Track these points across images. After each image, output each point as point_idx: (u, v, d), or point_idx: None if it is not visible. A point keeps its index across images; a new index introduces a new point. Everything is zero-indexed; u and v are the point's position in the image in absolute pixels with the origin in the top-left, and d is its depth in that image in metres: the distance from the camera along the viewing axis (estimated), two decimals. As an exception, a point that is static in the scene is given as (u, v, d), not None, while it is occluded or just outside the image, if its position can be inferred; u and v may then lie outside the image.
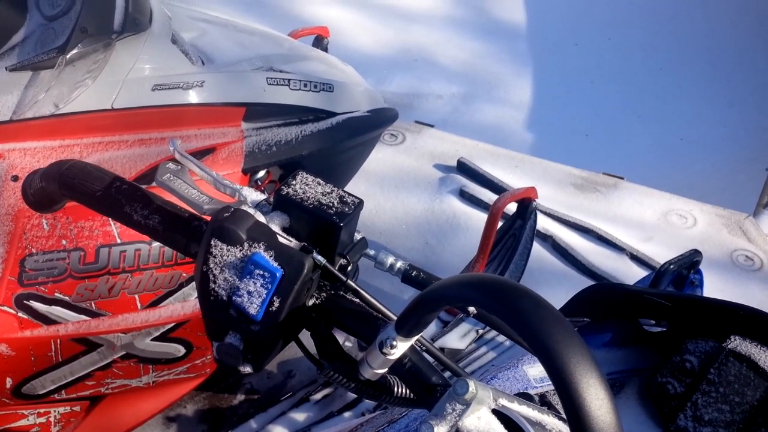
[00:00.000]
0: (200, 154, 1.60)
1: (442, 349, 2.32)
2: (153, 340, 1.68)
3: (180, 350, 1.75)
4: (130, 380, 1.74)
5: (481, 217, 2.47)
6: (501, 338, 2.34)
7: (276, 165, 1.80)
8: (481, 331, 2.34)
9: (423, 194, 2.74)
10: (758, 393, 0.98)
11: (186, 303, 1.66)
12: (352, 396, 2.20)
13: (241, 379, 2.30)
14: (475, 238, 2.23)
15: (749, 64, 4.37)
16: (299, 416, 2.16)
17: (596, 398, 0.53)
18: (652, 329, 1.13)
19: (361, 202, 0.75)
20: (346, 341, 0.74)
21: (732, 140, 3.84)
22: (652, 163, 3.53)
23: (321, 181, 0.76)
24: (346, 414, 2.17)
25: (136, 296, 1.60)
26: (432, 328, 2.35)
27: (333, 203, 0.75)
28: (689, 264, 1.38)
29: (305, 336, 0.77)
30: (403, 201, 2.72)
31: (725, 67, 4.33)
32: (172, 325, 1.68)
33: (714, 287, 2.34)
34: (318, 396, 2.21)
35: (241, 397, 2.28)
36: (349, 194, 0.76)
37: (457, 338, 2.33)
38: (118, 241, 1.52)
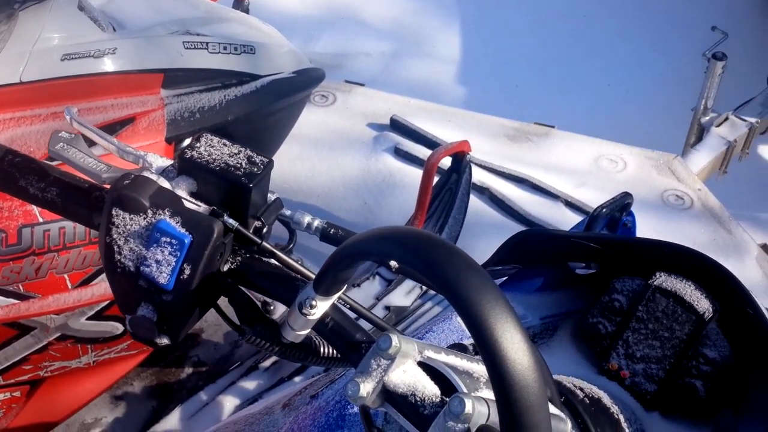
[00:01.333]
0: (119, 124, 1.55)
1: (387, 308, 2.33)
2: (88, 319, 1.64)
3: (118, 327, 1.72)
4: (69, 361, 1.70)
5: (417, 174, 2.46)
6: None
7: (201, 132, 1.76)
8: (424, 287, 2.36)
9: (358, 154, 2.72)
10: (686, 327, 1.00)
11: (118, 279, 1.63)
12: (300, 360, 2.20)
13: (188, 352, 2.28)
14: (413, 195, 2.23)
15: (672, 8, 4.43)
16: (249, 385, 2.15)
17: (512, 342, 0.53)
18: (582, 272, 1.14)
19: (270, 162, 0.73)
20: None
21: (658, 84, 3.91)
22: (581, 111, 3.57)
23: (227, 142, 0.74)
24: (297, 378, 2.16)
25: (66, 276, 1.55)
26: (376, 286, 2.35)
27: (241, 164, 0.72)
28: (621, 206, 1.40)
29: (225, 303, 0.75)
30: (338, 162, 2.69)
31: (649, 12, 4.39)
32: (107, 302, 1.65)
33: (647, 227, 2.39)
34: (267, 363, 2.20)
35: (188, 370, 2.26)
36: (258, 154, 0.73)
37: (402, 295, 2.34)
38: (40, 219, 1.47)
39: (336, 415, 0.92)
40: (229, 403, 2.07)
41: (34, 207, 1.47)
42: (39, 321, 1.56)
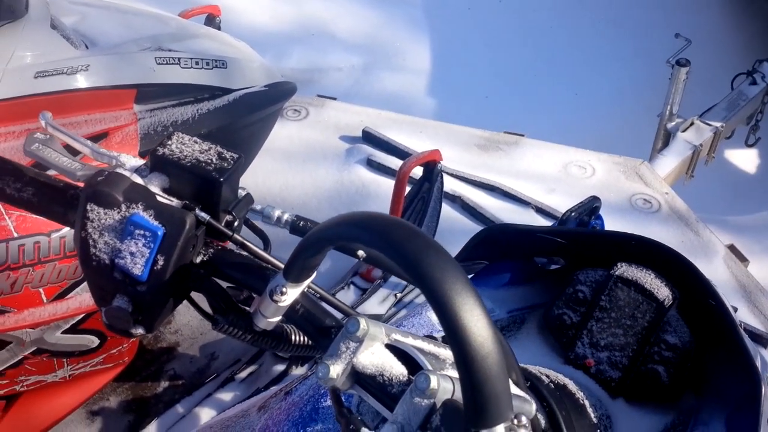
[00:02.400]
0: (92, 139, 1.57)
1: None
2: (64, 333, 1.65)
3: (93, 341, 1.72)
4: (44, 376, 1.70)
5: (389, 184, 2.49)
6: (420, 299, 2.38)
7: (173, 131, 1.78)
8: (399, 295, 2.39)
9: (331, 167, 2.75)
10: (647, 315, 1.03)
11: (94, 293, 1.64)
12: (278, 370, 2.21)
13: (164, 365, 2.28)
14: (386, 204, 2.26)
15: (636, 17, 4.53)
16: (225, 396, 2.16)
17: (471, 313, 0.55)
18: (547, 267, 1.18)
19: (240, 157, 0.76)
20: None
21: (624, 91, 3.99)
22: (550, 119, 3.63)
23: (198, 140, 0.77)
24: (273, 388, 2.18)
25: (41, 290, 1.56)
26: (351, 295, 2.38)
27: (212, 160, 0.75)
28: (590, 210, 1.44)
29: (200, 297, 0.77)
30: (311, 175, 2.72)
31: (613, 22, 4.48)
32: (82, 316, 1.65)
33: (616, 230, 2.44)
34: (243, 374, 2.22)
35: (165, 383, 2.26)
36: (229, 150, 0.76)
37: (377, 304, 2.37)
38: (15, 235, 1.48)
39: (310, 408, 0.95)
40: (205, 415, 2.08)
41: (9, 222, 1.48)
42: (14, 335, 1.57)
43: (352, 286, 2.37)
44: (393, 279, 2.38)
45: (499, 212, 2.59)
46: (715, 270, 2.54)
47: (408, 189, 2.32)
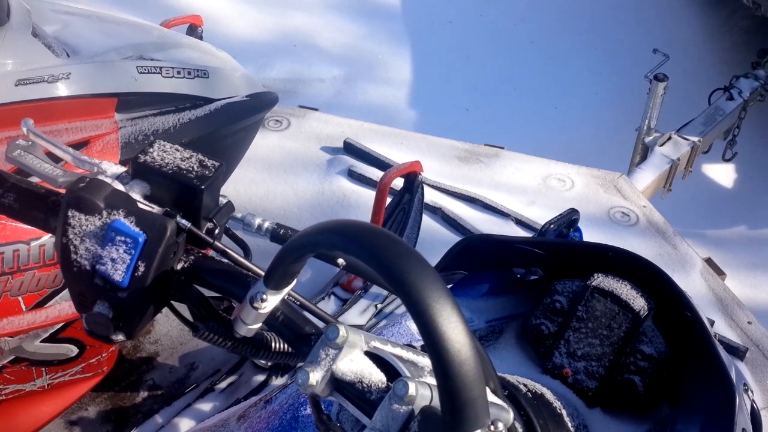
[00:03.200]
0: (73, 147, 1.57)
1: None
2: (43, 341, 1.64)
3: (72, 350, 1.72)
4: (23, 385, 1.69)
5: (370, 195, 2.50)
6: (400, 310, 2.38)
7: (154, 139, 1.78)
8: (380, 306, 2.39)
9: (312, 177, 2.76)
10: (624, 325, 1.05)
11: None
12: (258, 380, 2.21)
13: (143, 375, 2.27)
14: (367, 215, 2.27)
15: (614, 32, 4.58)
16: (205, 406, 2.15)
17: (449, 320, 0.56)
18: (526, 277, 1.19)
19: (221, 165, 0.77)
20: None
21: (603, 105, 4.03)
22: (530, 132, 3.67)
23: (179, 148, 0.77)
24: (253, 398, 2.17)
25: (20, 298, 1.55)
26: (332, 306, 2.38)
27: (193, 168, 0.76)
28: (568, 222, 1.46)
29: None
30: (292, 185, 2.73)
31: (592, 36, 4.54)
32: (62, 324, 1.65)
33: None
34: (223, 385, 2.21)
35: (144, 393, 2.25)
36: (210, 158, 0.77)
37: (357, 315, 2.37)
38: (-6, 242, 1.47)
39: (289, 417, 0.95)
40: (184, 425, 2.07)
41: (-12, 230, 1.48)
42: (-8, 344, 1.56)
43: (332, 297, 2.38)
44: (374, 290, 2.39)
45: (479, 224, 2.61)
46: (693, 283, 2.57)
47: (389, 200, 2.33)
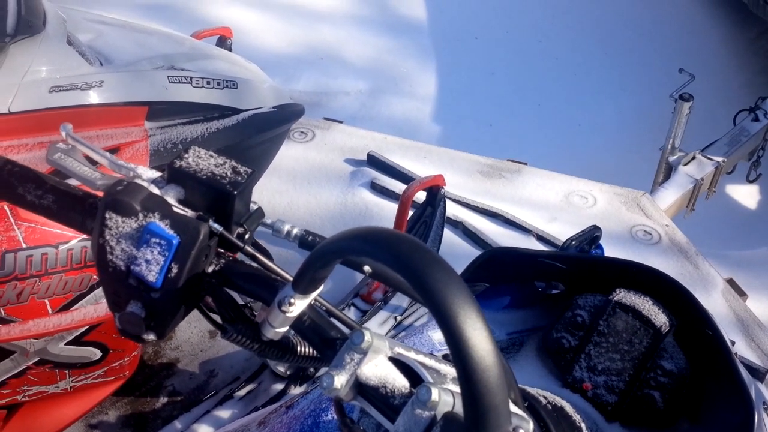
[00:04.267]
0: (103, 153, 1.60)
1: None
2: (67, 344, 1.66)
3: (96, 353, 1.74)
4: (46, 386, 1.71)
5: (393, 208, 2.52)
6: (419, 323, 2.39)
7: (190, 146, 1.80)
8: (399, 318, 2.40)
9: (335, 188, 2.78)
10: (644, 341, 1.05)
11: (98, 305, 1.65)
12: (277, 389, 2.22)
13: (163, 381, 2.29)
14: (388, 227, 2.28)
15: (640, 51, 4.58)
16: (223, 414, 2.16)
17: (474, 327, 0.57)
18: (547, 291, 1.20)
19: (253, 172, 0.79)
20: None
21: (627, 124, 4.03)
22: (553, 149, 3.67)
23: (213, 154, 0.79)
24: (273, 405, 2.18)
25: (47, 301, 1.58)
26: (351, 316, 2.39)
27: (226, 174, 0.78)
28: (590, 239, 1.47)
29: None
30: (316, 196, 2.75)
31: (618, 55, 4.54)
32: (86, 328, 1.67)
33: (616, 260, 2.45)
34: (242, 392, 2.22)
35: (164, 399, 2.27)
36: (242, 165, 0.79)
37: (377, 326, 2.38)
38: (24, 245, 1.50)
39: (311, 422, 0.96)
40: (203, 431, 2.08)
41: (19, 233, 1.50)
42: (18, 345, 1.58)
43: (352, 307, 2.39)
44: (393, 301, 2.40)
45: (500, 239, 2.61)
46: (714, 303, 2.56)
47: (411, 213, 2.34)
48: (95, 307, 1.64)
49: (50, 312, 1.59)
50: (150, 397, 2.24)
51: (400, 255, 0.59)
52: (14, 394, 1.65)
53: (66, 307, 1.62)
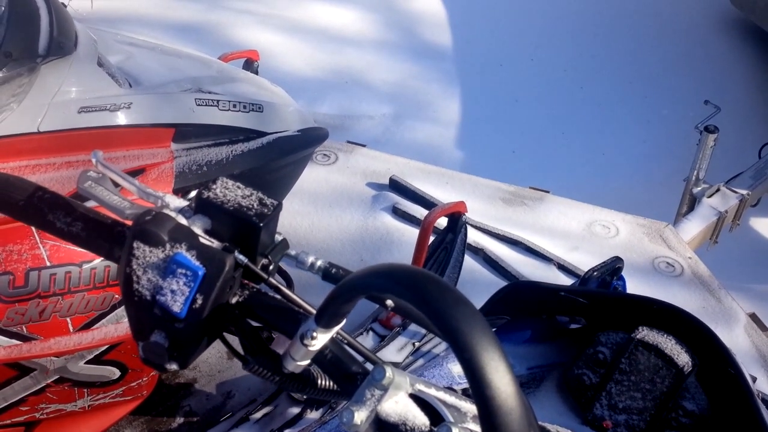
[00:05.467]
0: (129, 175, 1.61)
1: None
2: (87, 363, 1.67)
3: (115, 373, 1.74)
4: (65, 404, 1.72)
5: (413, 233, 2.52)
6: (437, 350, 2.38)
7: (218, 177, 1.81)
8: (417, 344, 2.39)
9: (357, 212, 2.79)
10: (667, 380, 1.04)
11: (119, 325, 1.66)
12: (293, 413, 2.22)
13: (180, 401, 2.29)
14: (409, 253, 2.28)
15: (666, 82, 4.57)
16: (239, 436, 2.16)
17: (497, 370, 0.57)
18: (568, 326, 1.19)
19: (279, 204, 0.79)
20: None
21: (651, 154, 4.01)
22: (576, 177, 3.66)
23: (241, 185, 0.80)
24: (287, 431, 2.18)
25: (68, 319, 1.59)
26: (369, 342, 2.39)
27: (253, 205, 0.78)
28: (612, 270, 1.46)
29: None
30: (337, 219, 2.75)
31: (643, 85, 4.53)
32: (106, 347, 1.68)
33: (637, 292, 2.43)
34: (258, 415, 2.22)
35: (180, 419, 2.27)
36: (269, 197, 0.79)
37: (395, 352, 2.37)
38: (48, 263, 1.51)
39: (329, 452, 0.96)
40: (219, 453, 2.08)
41: (43, 251, 1.52)
42: (39, 363, 1.59)
43: (371, 332, 2.39)
44: (412, 327, 2.39)
45: (521, 267, 2.60)
46: (736, 338, 2.52)
47: (432, 239, 2.34)
48: (116, 326, 1.65)
49: (71, 330, 1.60)
50: (166, 417, 2.24)
51: (424, 294, 0.59)
52: (33, 412, 1.66)
53: (87, 326, 1.62)
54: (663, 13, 5.08)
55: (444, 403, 0.69)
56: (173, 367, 0.77)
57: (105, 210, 0.82)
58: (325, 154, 3.02)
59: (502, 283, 2.59)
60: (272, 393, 2.26)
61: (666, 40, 4.90)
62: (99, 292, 1.60)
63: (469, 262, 2.55)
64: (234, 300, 0.77)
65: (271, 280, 0.77)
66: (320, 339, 0.71)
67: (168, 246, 0.75)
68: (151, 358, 0.77)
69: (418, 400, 0.70)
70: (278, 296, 0.78)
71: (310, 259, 0.83)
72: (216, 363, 2.38)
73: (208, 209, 0.79)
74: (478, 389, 0.56)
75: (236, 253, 0.75)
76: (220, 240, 0.77)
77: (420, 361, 2.34)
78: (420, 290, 0.60)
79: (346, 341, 0.77)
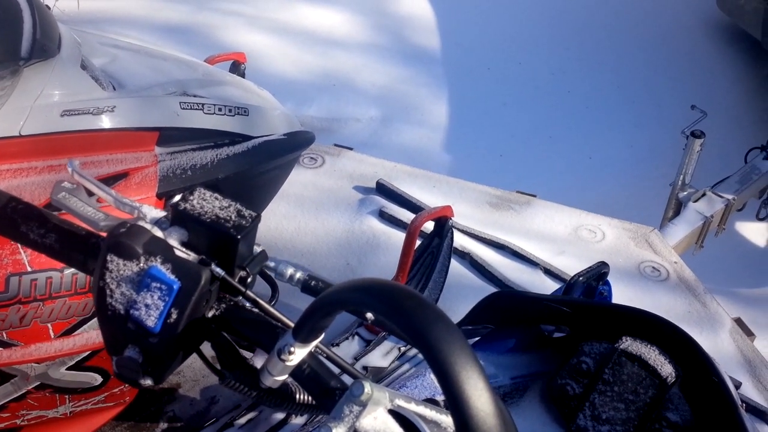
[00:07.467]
0: (112, 179, 1.59)
1: (365, 368, 2.36)
2: (68, 369, 1.65)
3: (96, 379, 1.73)
4: (46, 411, 1.70)
5: (400, 237, 2.51)
6: (422, 355, 2.37)
7: (195, 186, 1.80)
8: (403, 349, 2.38)
9: (343, 215, 2.78)
10: (650, 391, 1.04)
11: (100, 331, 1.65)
12: (277, 418, 2.20)
13: (163, 407, 2.27)
14: (395, 257, 2.27)
15: (652, 87, 4.59)
16: (223, 442, 2.14)
17: (475, 388, 0.57)
18: (552, 335, 1.18)
19: (258, 216, 0.78)
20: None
21: (638, 159, 4.03)
22: (563, 182, 3.67)
23: (219, 196, 0.79)
24: (271, 439, 2.16)
25: (49, 325, 1.57)
26: (355, 346, 2.38)
27: (231, 217, 0.77)
28: (597, 275, 1.45)
29: (207, 348, 0.79)
30: (323, 222, 2.74)
31: (630, 90, 4.55)
32: (88, 353, 1.66)
33: (623, 297, 2.44)
34: (242, 420, 2.20)
35: (163, 425, 2.25)
36: (247, 208, 0.78)
37: (380, 356, 2.36)
38: (29, 269, 1.50)
39: (310, 464, 0.95)
40: (203, 459, 2.07)
41: (24, 256, 1.50)
42: (20, 369, 1.57)
43: (356, 337, 2.38)
44: (398, 332, 2.38)
45: (507, 271, 2.60)
46: (721, 343, 2.53)
47: (418, 243, 2.33)
48: (97, 332, 1.64)
49: (53, 336, 1.58)
50: (150, 423, 2.22)
51: (402, 311, 0.59)
52: (13, 419, 1.64)
53: (68, 332, 1.61)
54: (650, 17, 5.11)
55: (423, 418, 0.69)
56: (147, 382, 0.76)
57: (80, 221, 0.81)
58: (311, 157, 3.01)
59: (488, 287, 2.58)
60: (257, 398, 2.25)
61: (653, 45, 4.92)
62: (80, 297, 1.59)
63: (455, 266, 2.54)
64: (210, 314, 0.76)
65: (249, 293, 0.76)
66: (298, 354, 0.70)
67: (143, 259, 0.74)
68: (125, 373, 0.76)
69: (398, 415, 0.69)
70: (256, 309, 0.77)
71: (290, 271, 0.82)
72: (200, 368, 2.36)
73: (184, 221, 0.77)
74: (457, 410, 0.56)
75: (213, 266, 0.74)
76: (196, 252, 0.76)
77: (406, 366, 2.33)
78: (397, 307, 0.59)
79: (325, 354, 0.76)
